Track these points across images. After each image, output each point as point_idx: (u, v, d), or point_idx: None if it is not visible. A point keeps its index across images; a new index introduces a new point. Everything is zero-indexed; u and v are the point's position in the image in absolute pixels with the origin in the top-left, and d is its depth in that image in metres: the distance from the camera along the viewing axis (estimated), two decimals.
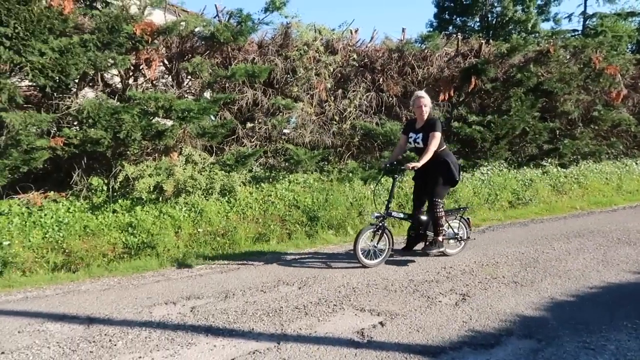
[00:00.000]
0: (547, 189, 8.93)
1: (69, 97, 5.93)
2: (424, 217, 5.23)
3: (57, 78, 5.49)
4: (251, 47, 7.46)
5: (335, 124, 7.78)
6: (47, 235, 5.20)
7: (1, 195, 5.44)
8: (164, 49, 6.70)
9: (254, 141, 7.29)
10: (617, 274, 4.67)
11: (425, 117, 5.07)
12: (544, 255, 5.36)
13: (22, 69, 5.30)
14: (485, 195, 8.12)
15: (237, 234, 5.92)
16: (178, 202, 6.02)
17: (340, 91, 7.92)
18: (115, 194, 5.89)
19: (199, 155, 6.48)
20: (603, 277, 4.57)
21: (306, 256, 5.53)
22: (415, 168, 4.90)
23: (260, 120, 7.30)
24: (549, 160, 9.69)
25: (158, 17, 6.53)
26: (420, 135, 5.04)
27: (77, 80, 6.05)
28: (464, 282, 4.45)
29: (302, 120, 7.53)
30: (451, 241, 5.38)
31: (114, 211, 5.73)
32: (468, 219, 5.59)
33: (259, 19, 7.15)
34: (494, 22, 27.96)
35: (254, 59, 7.31)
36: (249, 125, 7.35)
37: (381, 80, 8.14)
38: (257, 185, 6.79)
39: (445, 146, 5.20)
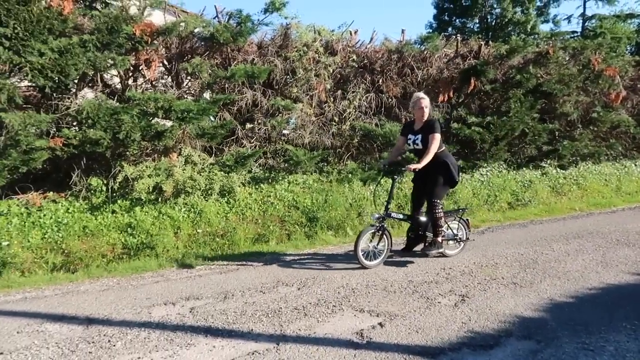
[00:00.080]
0: (547, 190, 8.93)
1: (69, 98, 5.93)
2: (423, 218, 5.23)
3: (57, 78, 5.50)
4: (251, 48, 7.47)
5: (335, 125, 7.79)
6: (46, 236, 5.19)
7: (0, 196, 5.43)
8: (163, 49, 6.70)
9: (253, 142, 7.30)
10: (616, 275, 4.67)
11: (425, 118, 5.08)
12: (543, 256, 5.36)
13: (21, 70, 5.30)
14: (484, 196, 8.12)
15: (236, 235, 5.92)
16: (177, 203, 6.02)
17: (339, 92, 7.93)
18: (114, 194, 5.89)
19: (199, 155, 6.48)
20: (602, 278, 4.57)
21: (305, 257, 5.52)
22: (416, 169, 4.90)
23: (259, 121, 7.31)
24: (548, 162, 9.70)
25: (157, 18, 6.54)
26: (420, 136, 5.04)
27: (76, 81, 6.05)
28: (463, 283, 4.45)
29: (301, 121, 7.54)
30: (450, 242, 5.39)
31: (113, 212, 5.72)
32: (467, 220, 5.60)
33: (258, 19, 7.17)
34: (493, 23, 27.97)
35: (253, 59, 7.31)
36: (248, 126, 7.35)
37: (380, 81, 8.15)
38: (257, 186, 6.79)
39: (444, 147, 5.21)
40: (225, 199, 6.37)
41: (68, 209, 5.55)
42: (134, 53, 6.21)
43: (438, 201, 5.06)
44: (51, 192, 5.61)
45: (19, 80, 5.57)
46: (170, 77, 6.99)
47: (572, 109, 9.73)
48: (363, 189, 7.27)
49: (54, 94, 5.82)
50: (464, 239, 5.48)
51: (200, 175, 6.20)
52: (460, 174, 5.47)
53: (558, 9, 55.40)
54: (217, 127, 6.67)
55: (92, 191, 5.82)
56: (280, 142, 7.44)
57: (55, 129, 5.80)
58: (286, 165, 7.29)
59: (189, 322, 3.60)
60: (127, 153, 6.13)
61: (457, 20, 28.38)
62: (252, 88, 7.23)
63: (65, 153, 5.64)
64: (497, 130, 8.62)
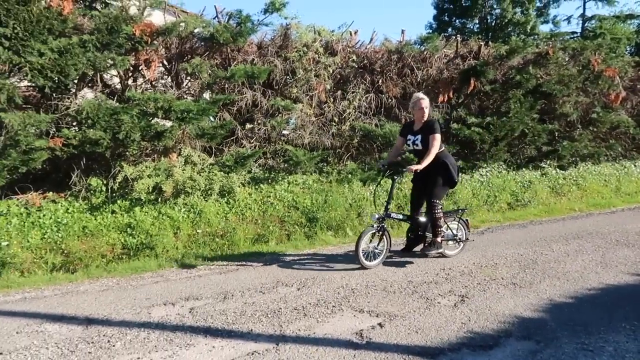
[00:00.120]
0: (546, 190, 8.94)
1: (68, 98, 5.93)
2: (422, 219, 5.23)
3: (56, 78, 5.49)
4: (250, 48, 7.47)
5: (335, 125, 7.79)
6: (45, 236, 5.19)
7: (0, 196, 5.43)
8: (163, 49, 6.70)
9: (253, 142, 7.30)
10: (615, 275, 4.67)
11: (425, 119, 5.08)
12: (542, 256, 5.37)
13: (21, 70, 5.30)
14: (484, 196, 8.12)
15: (236, 235, 5.92)
16: (177, 203, 6.02)
17: (339, 92, 7.93)
18: (114, 194, 5.89)
19: (198, 156, 6.48)
20: (601, 278, 4.57)
21: (305, 257, 5.52)
22: (418, 170, 4.89)
23: (259, 121, 7.31)
24: (548, 162, 9.70)
25: (157, 18, 6.54)
26: (419, 137, 5.05)
27: (76, 81, 6.05)
28: (462, 283, 4.45)
29: (301, 122, 7.54)
30: (450, 242, 5.39)
31: (113, 212, 5.72)
32: (467, 220, 5.60)
33: (258, 20, 7.17)
34: (493, 24, 27.97)
35: (253, 60, 7.31)
36: (248, 126, 7.35)
37: (380, 81, 8.15)
38: (256, 186, 6.79)
39: (444, 147, 5.21)
40: (225, 199, 6.37)
41: (68, 209, 5.55)
42: (133, 53, 6.21)
43: (437, 201, 5.07)
44: (51, 192, 5.61)
45: (18, 80, 5.57)
46: (170, 77, 6.99)
47: (572, 109, 9.73)
48: (363, 190, 7.27)
49: (54, 94, 5.82)
50: (464, 239, 5.48)
51: (200, 175, 6.20)
52: (460, 174, 5.48)
53: (558, 10, 55.40)
54: (216, 128, 6.67)
55: (91, 191, 5.81)
56: (280, 143, 7.44)
57: (54, 129, 5.79)
58: (286, 165, 7.29)
59: (189, 322, 3.60)
60: (127, 153, 6.13)
61: (457, 21, 28.38)
62: (252, 88, 7.23)
63: (64, 153, 5.64)
64: (497, 131, 8.62)
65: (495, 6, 27.21)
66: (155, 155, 6.37)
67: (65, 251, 5.16)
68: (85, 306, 3.96)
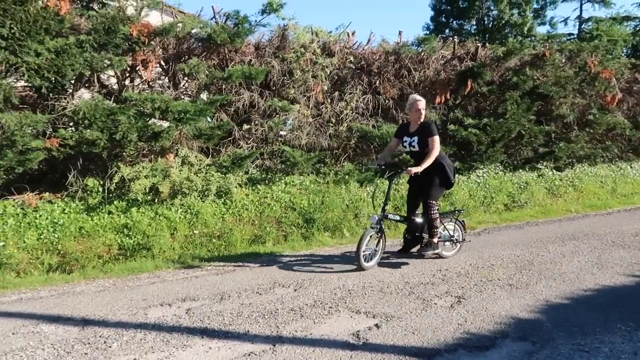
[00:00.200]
0: (543, 192, 8.97)
1: (65, 98, 5.91)
2: (419, 220, 5.24)
3: (53, 79, 5.49)
4: (248, 49, 7.46)
5: (332, 126, 7.79)
6: (42, 237, 5.17)
7: None
8: (160, 50, 6.69)
9: (250, 143, 7.29)
10: (611, 276, 4.69)
11: (422, 120, 5.09)
12: (539, 257, 5.38)
13: (17, 70, 5.28)
14: (480, 197, 8.14)
15: (233, 236, 5.91)
16: (174, 204, 6.01)
17: (336, 93, 7.94)
18: (110, 195, 5.88)
19: (195, 156, 6.47)
20: (597, 279, 4.59)
21: (302, 258, 5.52)
22: (418, 173, 4.89)
23: (256, 122, 7.30)
24: (545, 164, 9.73)
25: (155, 18, 6.53)
26: (416, 138, 5.06)
27: (73, 81, 6.03)
28: (459, 284, 4.46)
29: (298, 123, 7.54)
30: (447, 243, 5.40)
31: (110, 212, 5.71)
32: (463, 221, 5.62)
33: (256, 20, 7.17)
34: (490, 25, 28.05)
35: (250, 60, 7.31)
36: (245, 127, 7.35)
37: (378, 82, 8.16)
38: (253, 187, 6.79)
39: (440, 149, 5.22)
40: (222, 200, 6.37)
41: (64, 209, 5.54)
42: (131, 53, 6.20)
43: (434, 202, 5.08)
44: (47, 193, 5.59)
45: (15, 80, 5.56)
46: (167, 77, 6.98)
47: (569, 111, 9.77)
48: (360, 191, 7.27)
49: (51, 94, 5.80)
50: (460, 240, 5.49)
51: (197, 176, 6.20)
52: (457, 175, 5.50)
53: (555, 11, 55.64)
54: (214, 128, 6.66)
55: (88, 192, 5.80)
56: (277, 143, 7.44)
57: (51, 130, 5.78)
58: (283, 166, 7.29)
59: (185, 323, 3.60)
60: (124, 154, 6.11)
61: (454, 22, 28.44)
62: (249, 89, 7.22)
63: (61, 153, 5.63)
64: (494, 132, 8.65)
65: (492, 8, 27.29)
66: (152, 156, 6.36)
67: (62, 252, 5.14)
68: (81, 307, 3.95)
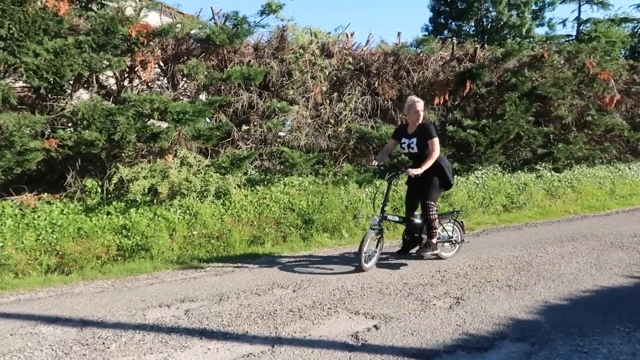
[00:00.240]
0: (541, 193, 8.98)
1: (64, 99, 5.90)
2: (418, 221, 5.24)
3: (52, 79, 5.48)
4: (247, 50, 7.47)
5: (331, 127, 7.80)
6: (40, 237, 5.17)
7: None
8: (159, 51, 6.69)
9: (249, 144, 7.29)
10: (610, 277, 4.70)
11: (420, 121, 5.09)
12: (537, 259, 5.39)
13: (16, 70, 5.28)
14: (479, 199, 8.15)
15: (231, 237, 5.91)
16: (173, 205, 6.00)
17: (335, 94, 7.94)
18: (109, 196, 5.87)
19: (194, 157, 6.47)
20: (596, 280, 4.60)
21: (301, 259, 5.52)
22: (419, 175, 4.89)
23: (255, 123, 7.30)
24: (543, 165, 9.75)
25: (154, 19, 6.53)
26: (415, 140, 5.06)
27: (71, 82, 6.03)
28: (458, 285, 4.46)
29: (297, 123, 7.54)
30: (445, 244, 5.40)
31: (108, 213, 5.70)
32: (462, 222, 5.62)
33: (255, 21, 7.17)
34: (488, 26, 28.10)
35: (249, 61, 7.31)
36: (244, 127, 7.34)
37: (376, 83, 8.17)
38: (252, 188, 6.78)
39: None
40: (221, 200, 6.36)
41: (62, 210, 5.53)
42: (129, 54, 6.19)
43: (432, 203, 5.08)
44: (46, 194, 5.59)
45: (13, 80, 5.56)
46: (166, 78, 6.98)
47: (567, 112, 9.79)
48: (359, 192, 7.27)
49: (49, 95, 5.80)
50: (459, 241, 5.49)
51: (196, 177, 6.19)
52: (455, 176, 5.50)
53: (553, 13, 55.78)
54: (212, 129, 6.66)
55: (86, 192, 5.79)
56: (276, 144, 7.44)
57: (50, 130, 5.77)
58: (282, 167, 7.29)
59: (184, 324, 3.59)
60: (123, 154, 6.11)
61: (453, 23, 28.49)
62: (248, 90, 7.22)
63: (60, 154, 5.62)
64: (493, 133, 8.66)
65: (491, 9, 27.35)
66: (151, 157, 6.36)
67: (60, 252, 5.14)
68: (79, 308, 3.94)
